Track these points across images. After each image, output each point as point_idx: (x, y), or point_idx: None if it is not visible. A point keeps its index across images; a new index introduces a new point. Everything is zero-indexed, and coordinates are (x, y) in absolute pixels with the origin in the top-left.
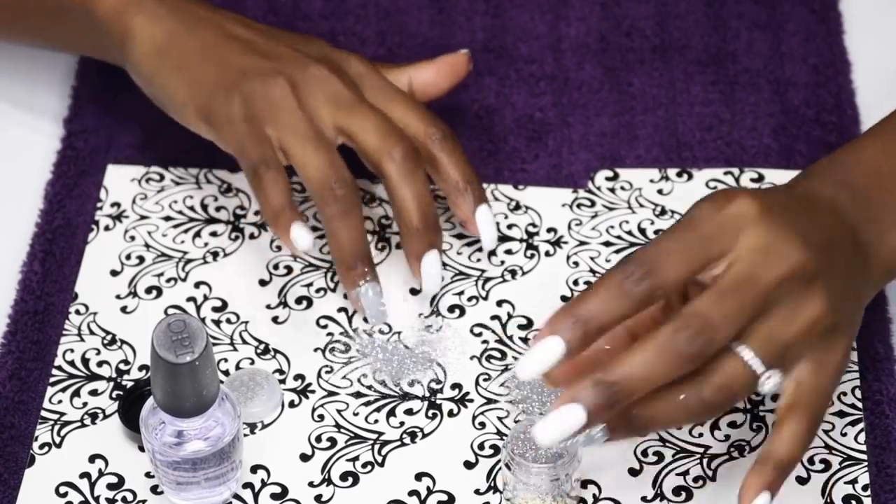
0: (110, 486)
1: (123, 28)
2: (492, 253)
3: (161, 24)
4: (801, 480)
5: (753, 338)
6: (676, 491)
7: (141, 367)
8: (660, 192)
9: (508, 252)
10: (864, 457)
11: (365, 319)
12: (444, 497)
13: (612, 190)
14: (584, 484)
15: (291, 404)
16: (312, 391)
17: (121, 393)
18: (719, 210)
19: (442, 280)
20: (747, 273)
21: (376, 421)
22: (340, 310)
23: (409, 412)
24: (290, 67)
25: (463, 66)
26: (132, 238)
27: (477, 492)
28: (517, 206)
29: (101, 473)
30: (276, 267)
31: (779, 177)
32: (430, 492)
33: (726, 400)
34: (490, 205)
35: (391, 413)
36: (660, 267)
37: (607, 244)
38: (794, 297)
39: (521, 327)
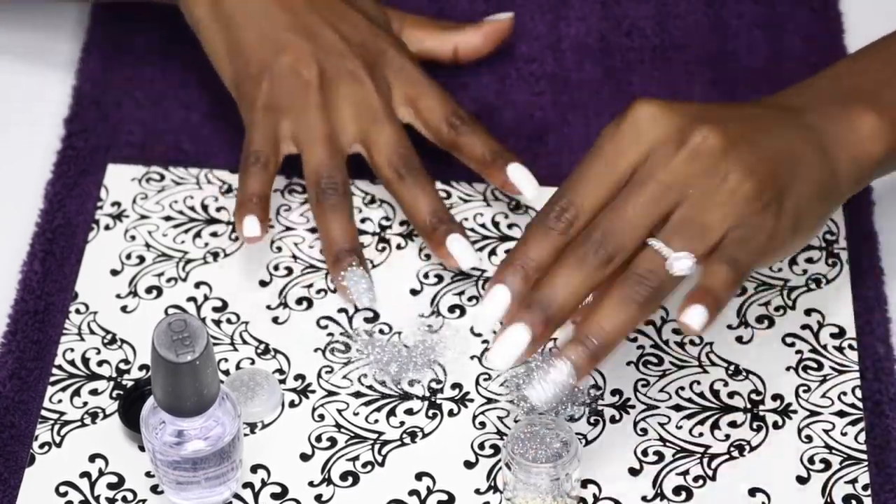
0: (110, 486)
1: None
2: (491, 252)
3: None
4: (802, 480)
5: (668, 225)
6: (676, 490)
7: (141, 367)
8: None
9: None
10: (865, 456)
11: (356, 308)
12: (445, 497)
13: None
14: (585, 483)
15: (292, 404)
16: (313, 391)
17: (121, 392)
18: (617, 126)
19: (477, 256)
20: (645, 173)
21: (376, 421)
22: (340, 310)
23: (409, 412)
24: (324, 56)
25: (507, 31)
26: (132, 238)
27: (477, 491)
28: (517, 206)
29: (101, 473)
30: (276, 268)
31: None
32: (430, 491)
33: (654, 289)
34: (521, 161)
35: (391, 413)
36: (578, 199)
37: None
38: (703, 173)
39: None
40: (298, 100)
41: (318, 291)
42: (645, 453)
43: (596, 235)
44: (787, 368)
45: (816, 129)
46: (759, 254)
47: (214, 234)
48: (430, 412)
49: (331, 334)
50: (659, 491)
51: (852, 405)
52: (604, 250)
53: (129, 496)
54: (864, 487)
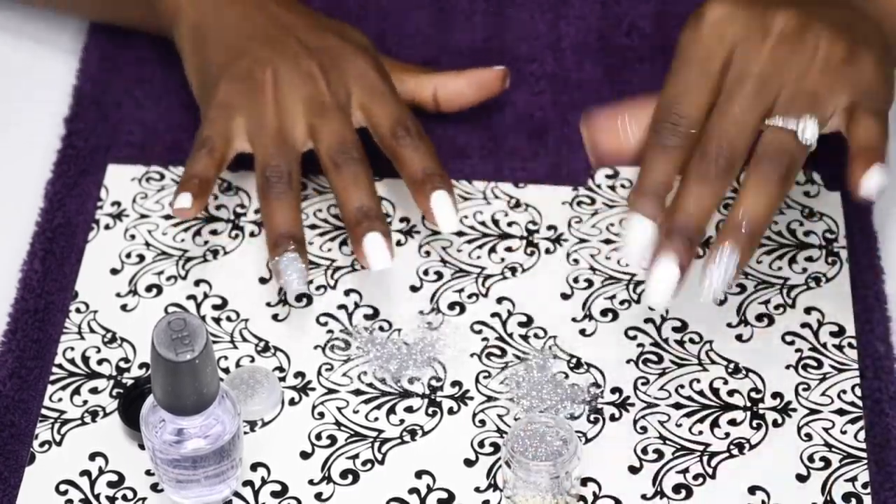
0: (110, 484)
1: (174, 5)
2: (491, 250)
3: (200, 7)
4: (802, 478)
5: (778, 106)
6: (676, 489)
7: (141, 366)
8: None
9: (508, 249)
10: (864, 455)
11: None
12: (445, 495)
13: (612, 188)
14: (584, 482)
15: (291, 402)
16: (312, 389)
17: (121, 391)
18: (697, 30)
19: (390, 261)
20: (740, 71)
21: (376, 419)
22: (340, 307)
23: (409, 410)
24: (280, 60)
25: (496, 83)
26: (132, 237)
27: (477, 490)
28: (517, 204)
29: (101, 471)
30: None
31: None
32: (430, 490)
33: (789, 164)
34: (450, 192)
35: (391, 411)
36: (682, 109)
37: (607, 241)
38: (794, 52)
39: (521, 324)
40: (251, 98)
41: (318, 288)
42: (645, 451)
43: (712, 147)
44: (787, 367)
45: (865, 8)
46: (886, 100)
47: (214, 232)
48: (430, 410)
49: (331, 331)
50: (659, 489)
51: (852, 403)
52: (724, 159)
53: (129, 494)
54: (864, 486)
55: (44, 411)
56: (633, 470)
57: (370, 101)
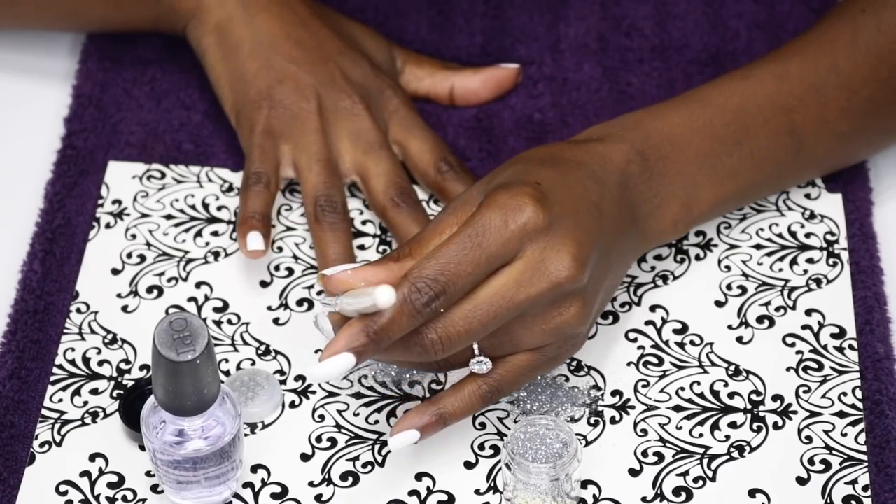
0: (111, 485)
1: (196, 2)
2: None
3: (226, 6)
4: (802, 481)
5: (497, 332)
6: (676, 491)
7: (142, 367)
8: None
9: None
10: (865, 457)
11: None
12: (444, 497)
13: None
14: (584, 484)
15: (292, 405)
16: (313, 392)
17: (121, 392)
18: (506, 226)
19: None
20: (508, 290)
21: (377, 421)
22: None
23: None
24: (324, 90)
25: (509, 80)
26: (133, 236)
27: (477, 492)
28: None
29: (101, 472)
30: (277, 268)
31: None
32: (430, 492)
33: (442, 369)
34: None
35: (392, 413)
36: (449, 288)
37: None
38: (547, 306)
39: None
40: (298, 125)
41: (320, 293)
42: (645, 454)
43: (440, 329)
44: (788, 369)
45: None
46: (526, 381)
47: (215, 234)
48: None
49: None
50: (659, 492)
51: (852, 406)
52: (436, 348)
53: (130, 495)
54: (864, 488)
55: (44, 412)
56: (634, 472)
57: (407, 136)
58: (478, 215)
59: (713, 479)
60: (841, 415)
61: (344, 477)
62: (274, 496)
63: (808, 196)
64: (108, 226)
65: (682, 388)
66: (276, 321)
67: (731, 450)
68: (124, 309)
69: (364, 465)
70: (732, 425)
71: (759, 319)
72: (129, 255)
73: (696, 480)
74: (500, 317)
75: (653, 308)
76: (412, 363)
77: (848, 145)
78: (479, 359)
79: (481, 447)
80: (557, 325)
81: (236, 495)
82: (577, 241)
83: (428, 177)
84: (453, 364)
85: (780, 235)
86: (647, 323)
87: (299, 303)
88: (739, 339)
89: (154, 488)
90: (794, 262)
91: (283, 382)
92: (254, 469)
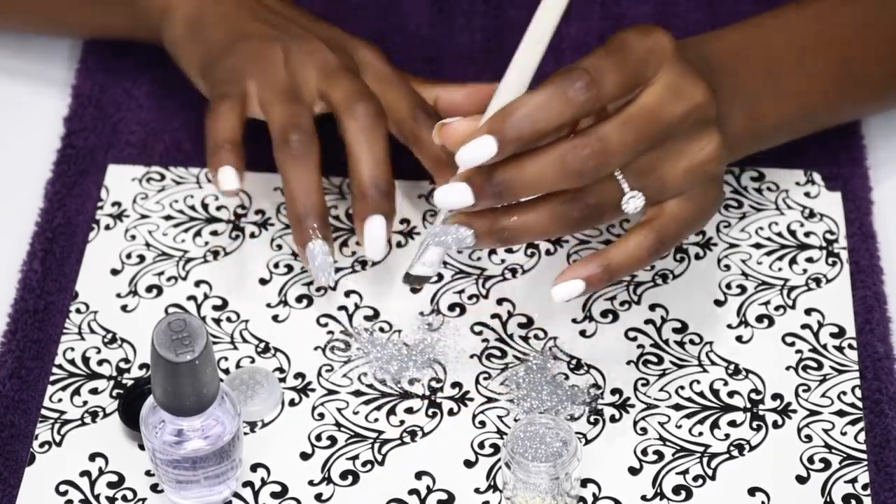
0: (110, 485)
1: (164, 2)
2: (492, 252)
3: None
4: (801, 480)
5: (636, 164)
6: (676, 490)
7: (141, 366)
8: None
9: (510, 251)
10: (864, 456)
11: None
12: (444, 496)
13: None
14: (584, 483)
15: (292, 403)
16: (313, 389)
17: (121, 391)
18: (644, 38)
19: (386, 249)
20: (655, 106)
21: (376, 420)
22: (340, 308)
23: (409, 411)
24: (289, 38)
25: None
26: (133, 237)
27: (477, 491)
28: None
29: (101, 472)
30: (276, 266)
31: (779, 176)
32: (430, 491)
33: (592, 218)
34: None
35: (391, 412)
36: (602, 80)
37: (607, 242)
38: (689, 135)
39: (521, 325)
40: (262, 65)
41: (319, 289)
42: (645, 452)
43: (596, 146)
44: (787, 368)
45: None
46: (686, 234)
47: (214, 233)
48: (430, 411)
49: (331, 332)
50: (658, 490)
51: (852, 405)
52: (590, 166)
53: (129, 495)
54: (864, 487)
55: (44, 412)
56: (633, 471)
57: (382, 90)
58: (612, 38)
59: (713, 478)
60: (840, 414)
61: (344, 476)
62: (274, 495)
63: (807, 195)
64: (107, 227)
65: (682, 387)
66: (275, 318)
67: (731, 448)
68: (124, 308)
69: (364, 464)
70: (732, 424)
71: (759, 318)
72: (129, 256)
73: (695, 479)
74: (648, 135)
75: (652, 307)
76: (558, 210)
77: None
78: (633, 193)
79: (481, 446)
80: (700, 161)
81: (236, 494)
82: (706, 76)
83: (404, 126)
84: (603, 207)
85: (779, 234)
86: (647, 322)
87: (298, 300)
88: (739, 339)
89: (154, 488)
90: (793, 262)
91: (282, 380)
92: (253, 468)
